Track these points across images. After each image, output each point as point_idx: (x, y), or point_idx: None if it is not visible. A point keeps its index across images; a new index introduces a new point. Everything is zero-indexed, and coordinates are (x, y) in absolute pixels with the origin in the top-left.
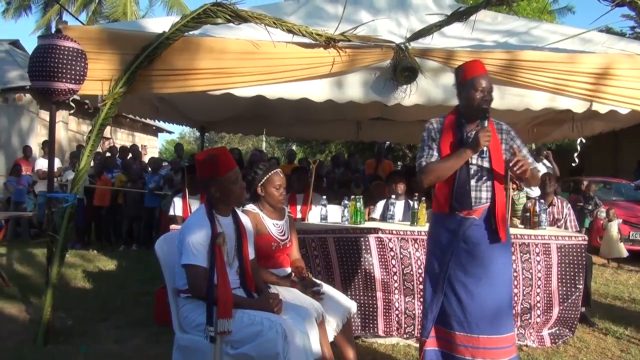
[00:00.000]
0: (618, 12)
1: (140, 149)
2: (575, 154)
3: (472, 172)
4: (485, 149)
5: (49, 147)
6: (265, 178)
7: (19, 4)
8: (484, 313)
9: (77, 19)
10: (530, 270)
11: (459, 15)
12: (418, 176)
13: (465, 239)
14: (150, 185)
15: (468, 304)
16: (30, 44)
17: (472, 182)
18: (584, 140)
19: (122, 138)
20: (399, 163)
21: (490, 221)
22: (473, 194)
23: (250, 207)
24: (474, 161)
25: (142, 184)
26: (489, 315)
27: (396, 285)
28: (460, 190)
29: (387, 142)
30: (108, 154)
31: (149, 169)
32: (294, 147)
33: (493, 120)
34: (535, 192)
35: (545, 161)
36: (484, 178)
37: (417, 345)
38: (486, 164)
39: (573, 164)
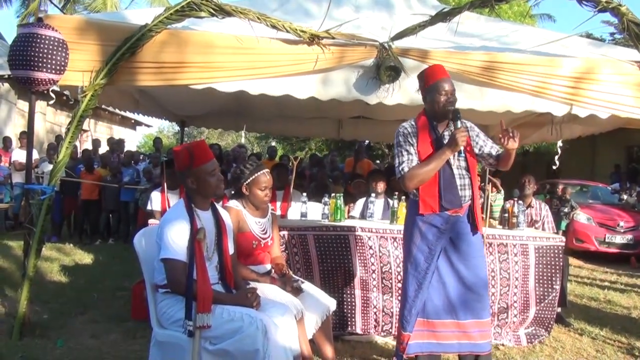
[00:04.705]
0: (598, 18)
1: (120, 143)
2: (556, 157)
3: (455, 172)
4: (462, 148)
5: (27, 138)
6: (251, 178)
7: None
8: (470, 299)
9: (58, 7)
10: (508, 271)
11: (443, 16)
12: (402, 182)
13: (453, 234)
14: (124, 179)
15: (456, 292)
16: (10, 36)
17: (458, 181)
18: (560, 144)
19: (100, 131)
20: (377, 161)
21: (470, 216)
22: (460, 192)
23: (233, 203)
24: (454, 162)
25: (121, 177)
26: (474, 301)
27: (375, 283)
28: (448, 190)
29: (367, 141)
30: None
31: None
32: (273, 144)
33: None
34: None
35: None
36: (465, 177)
37: (395, 343)
38: (463, 163)
39: (554, 167)
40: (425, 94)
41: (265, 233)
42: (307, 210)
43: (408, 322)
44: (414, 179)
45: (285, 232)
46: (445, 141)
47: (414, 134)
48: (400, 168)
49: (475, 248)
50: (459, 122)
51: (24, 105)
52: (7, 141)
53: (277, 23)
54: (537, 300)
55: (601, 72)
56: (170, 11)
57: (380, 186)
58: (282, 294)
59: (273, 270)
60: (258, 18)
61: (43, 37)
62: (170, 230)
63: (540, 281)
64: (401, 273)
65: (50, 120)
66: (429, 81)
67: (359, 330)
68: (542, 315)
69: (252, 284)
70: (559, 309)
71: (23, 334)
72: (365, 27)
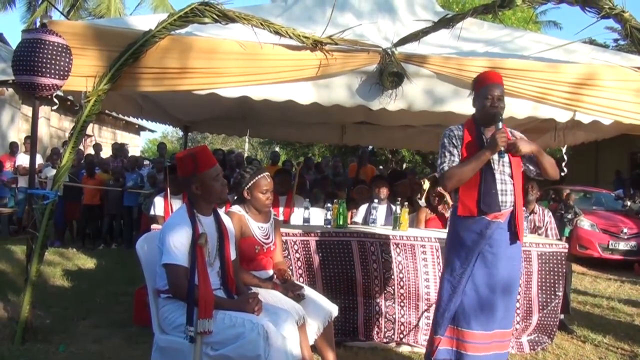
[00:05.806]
0: (601, 25)
1: (123, 147)
2: (563, 164)
3: (496, 177)
4: (502, 149)
5: (31, 143)
6: (252, 182)
7: None
8: (499, 308)
9: (63, 14)
10: None
11: (446, 22)
12: (441, 181)
13: (491, 241)
14: (128, 184)
15: (488, 302)
16: (15, 41)
17: (498, 186)
18: (564, 150)
19: (104, 136)
20: (380, 167)
21: (511, 223)
22: (500, 197)
23: (236, 208)
24: (497, 167)
25: (124, 182)
26: (502, 310)
27: (377, 289)
28: (487, 194)
29: (371, 147)
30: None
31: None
32: (277, 149)
33: (507, 129)
34: None
35: None
36: (507, 183)
37: (397, 349)
38: (507, 170)
39: (562, 174)
40: (475, 97)
41: (268, 238)
42: (310, 215)
43: (440, 326)
44: (452, 178)
45: (287, 238)
46: None
47: (459, 136)
48: (440, 167)
49: (512, 257)
50: (500, 124)
51: (27, 110)
52: (13, 146)
53: (280, 29)
54: (540, 307)
55: (604, 78)
56: (173, 17)
57: (383, 192)
58: (284, 300)
59: (275, 276)
60: (261, 24)
61: (47, 42)
62: (172, 235)
63: (543, 288)
64: (403, 279)
65: (54, 125)
66: (479, 85)
67: (361, 337)
68: (545, 322)
69: (254, 290)
70: (562, 316)
71: (25, 338)
72: (368, 33)
